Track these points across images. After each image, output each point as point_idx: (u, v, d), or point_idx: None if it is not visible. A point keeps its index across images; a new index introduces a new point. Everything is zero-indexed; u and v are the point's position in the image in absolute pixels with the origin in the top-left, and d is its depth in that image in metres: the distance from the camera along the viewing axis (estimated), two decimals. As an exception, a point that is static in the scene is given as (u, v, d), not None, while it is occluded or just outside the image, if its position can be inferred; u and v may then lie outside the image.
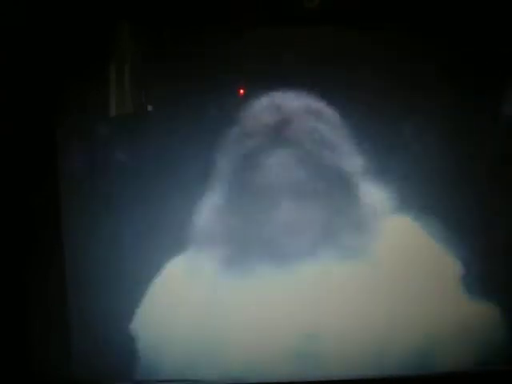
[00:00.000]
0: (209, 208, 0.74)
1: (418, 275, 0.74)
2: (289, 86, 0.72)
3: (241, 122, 0.73)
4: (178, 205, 0.73)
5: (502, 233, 0.74)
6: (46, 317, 0.71)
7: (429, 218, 0.73)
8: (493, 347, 0.74)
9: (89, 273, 0.73)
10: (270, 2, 0.69)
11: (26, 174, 0.69)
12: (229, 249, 0.74)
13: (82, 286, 0.72)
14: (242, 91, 0.73)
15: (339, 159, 0.74)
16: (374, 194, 0.74)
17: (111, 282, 0.73)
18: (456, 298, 0.74)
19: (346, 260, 0.74)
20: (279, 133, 0.73)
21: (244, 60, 0.72)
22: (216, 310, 0.74)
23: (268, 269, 0.73)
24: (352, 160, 0.74)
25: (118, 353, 0.74)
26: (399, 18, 0.71)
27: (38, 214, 0.70)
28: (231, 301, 0.74)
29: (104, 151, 0.73)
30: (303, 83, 0.72)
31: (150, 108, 0.74)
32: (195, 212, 0.73)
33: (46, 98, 0.69)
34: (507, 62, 0.72)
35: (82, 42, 0.69)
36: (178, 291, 0.75)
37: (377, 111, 0.72)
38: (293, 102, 0.73)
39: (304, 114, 0.73)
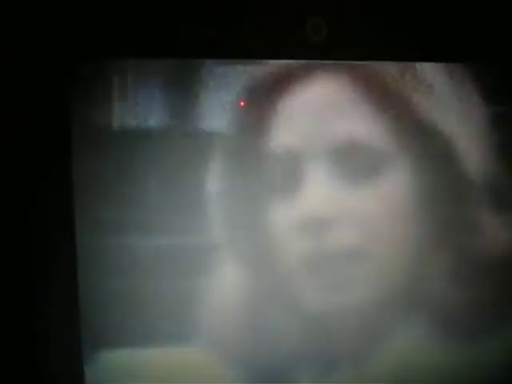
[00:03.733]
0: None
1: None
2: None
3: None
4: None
5: None
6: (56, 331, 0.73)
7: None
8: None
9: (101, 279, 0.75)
10: (274, 35, 0.70)
11: (37, 175, 0.71)
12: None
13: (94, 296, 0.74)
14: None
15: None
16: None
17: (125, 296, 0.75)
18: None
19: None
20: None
21: (248, 92, 0.73)
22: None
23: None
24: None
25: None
26: (405, 52, 0.72)
27: (50, 215, 0.72)
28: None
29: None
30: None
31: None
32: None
33: (52, 101, 0.71)
34: None
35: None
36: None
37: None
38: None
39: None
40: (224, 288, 0.75)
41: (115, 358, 0.75)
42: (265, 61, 0.73)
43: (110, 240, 0.75)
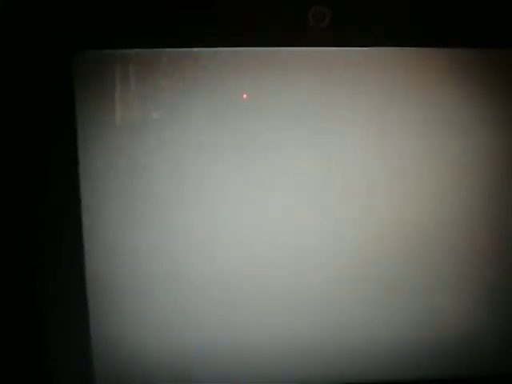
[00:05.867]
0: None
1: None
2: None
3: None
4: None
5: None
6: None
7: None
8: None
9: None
10: (276, 23, 0.70)
11: (42, 167, 0.70)
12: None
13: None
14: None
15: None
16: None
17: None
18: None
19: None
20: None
21: (248, 78, 0.73)
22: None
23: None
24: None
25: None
26: (407, 39, 0.73)
27: (58, 214, 0.71)
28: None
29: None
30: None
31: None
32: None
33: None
34: None
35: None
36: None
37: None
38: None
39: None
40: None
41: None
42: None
43: (118, 236, 0.74)
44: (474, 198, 0.76)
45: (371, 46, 0.73)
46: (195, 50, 0.71)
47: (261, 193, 0.75)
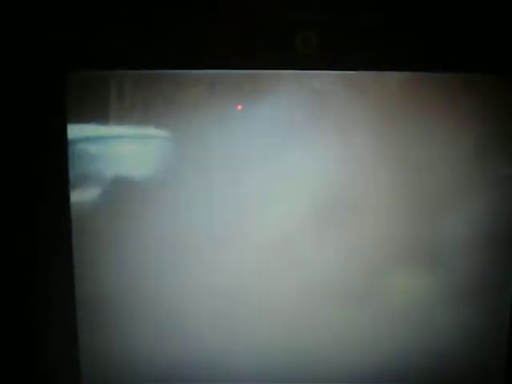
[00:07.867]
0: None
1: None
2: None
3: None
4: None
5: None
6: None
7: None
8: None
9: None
10: (265, 47, 0.72)
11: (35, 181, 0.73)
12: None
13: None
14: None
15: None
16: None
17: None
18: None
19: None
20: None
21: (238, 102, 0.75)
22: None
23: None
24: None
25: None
26: (396, 64, 0.74)
27: (48, 217, 0.74)
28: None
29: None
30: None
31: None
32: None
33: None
34: None
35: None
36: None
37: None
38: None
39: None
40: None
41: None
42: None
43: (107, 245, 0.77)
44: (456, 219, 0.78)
45: (359, 69, 0.74)
46: (183, 72, 0.73)
47: (245, 213, 0.78)
